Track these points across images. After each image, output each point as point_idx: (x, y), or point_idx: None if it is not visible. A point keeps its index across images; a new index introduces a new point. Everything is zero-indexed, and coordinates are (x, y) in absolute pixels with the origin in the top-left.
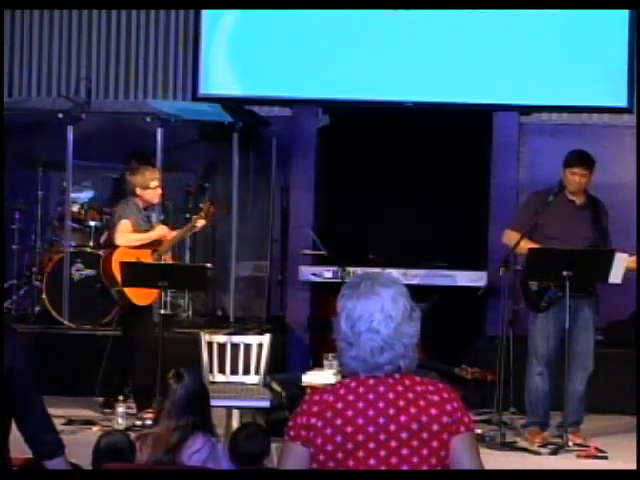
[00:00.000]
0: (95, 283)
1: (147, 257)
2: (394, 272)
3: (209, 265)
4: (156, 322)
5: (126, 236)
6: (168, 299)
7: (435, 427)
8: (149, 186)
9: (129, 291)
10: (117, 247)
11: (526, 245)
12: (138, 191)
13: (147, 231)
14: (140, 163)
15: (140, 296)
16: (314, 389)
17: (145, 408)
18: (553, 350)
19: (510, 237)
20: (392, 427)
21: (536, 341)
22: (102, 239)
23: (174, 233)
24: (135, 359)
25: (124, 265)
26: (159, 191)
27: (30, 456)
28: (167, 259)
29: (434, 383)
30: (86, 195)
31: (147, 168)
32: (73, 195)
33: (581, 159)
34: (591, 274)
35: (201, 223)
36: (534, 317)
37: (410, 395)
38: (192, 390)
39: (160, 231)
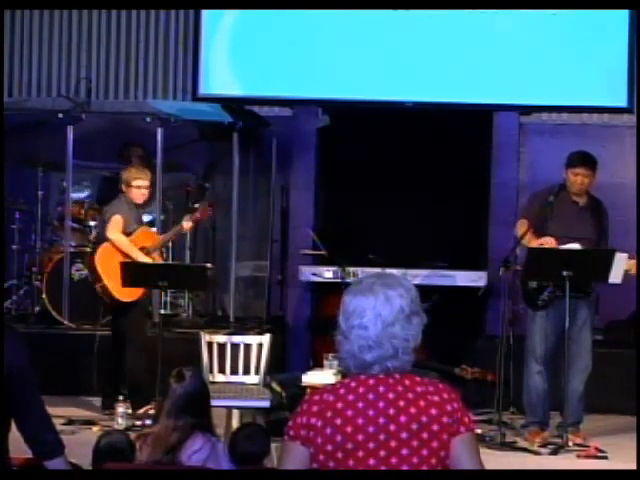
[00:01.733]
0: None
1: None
2: (394, 272)
3: (209, 265)
4: (155, 322)
5: (117, 233)
6: (168, 299)
7: (435, 427)
8: (131, 184)
9: (112, 287)
10: (103, 243)
11: (531, 240)
12: (123, 187)
13: (134, 230)
14: (138, 160)
15: (124, 292)
16: (314, 389)
17: (140, 407)
18: (551, 349)
19: (521, 227)
20: (392, 427)
21: (535, 340)
22: (92, 236)
23: (162, 236)
24: (127, 357)
25: (124, 265)
26: (143, 192)
27: (30, 456)
28: (157, 258)
29: (434, 383)
30: (78, 195)
31: (134, 166)
32: (73, 195)
33: (583, 159)
34: (591, 274)
35: (188, 226)
36: (533, 316)
37: (410, 395)
38: (192, 390)
39: (145, 259)
